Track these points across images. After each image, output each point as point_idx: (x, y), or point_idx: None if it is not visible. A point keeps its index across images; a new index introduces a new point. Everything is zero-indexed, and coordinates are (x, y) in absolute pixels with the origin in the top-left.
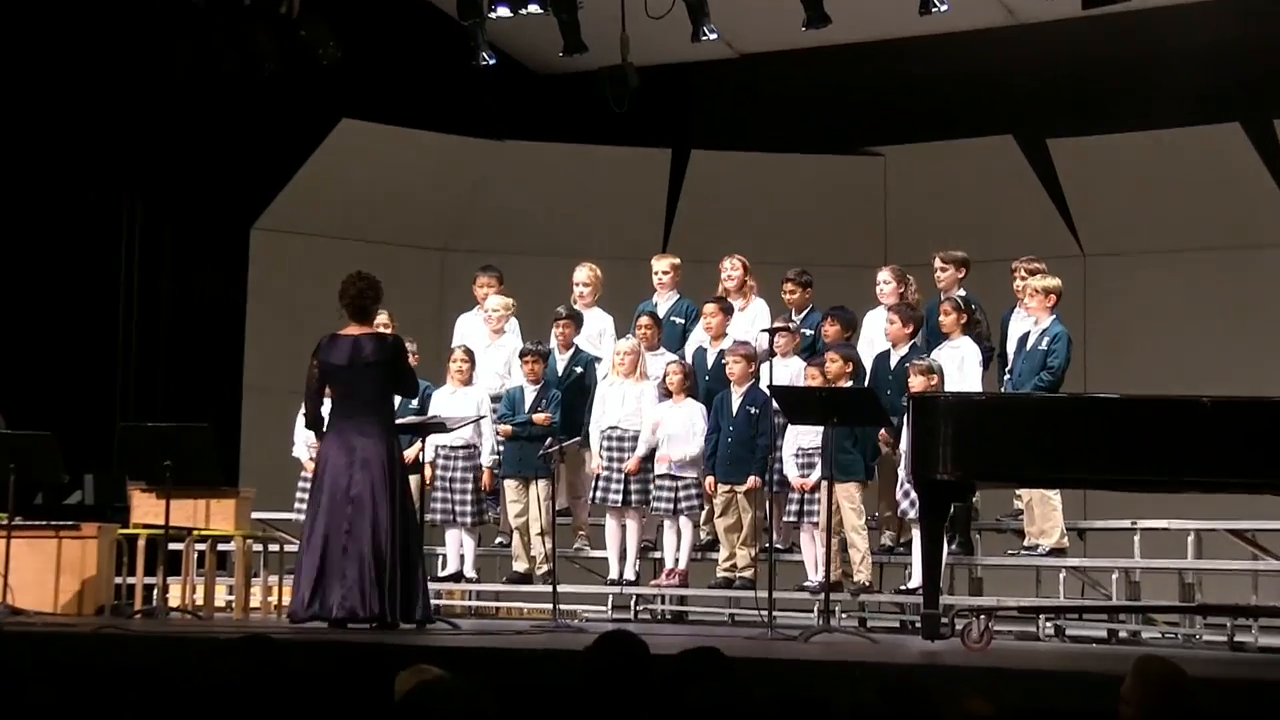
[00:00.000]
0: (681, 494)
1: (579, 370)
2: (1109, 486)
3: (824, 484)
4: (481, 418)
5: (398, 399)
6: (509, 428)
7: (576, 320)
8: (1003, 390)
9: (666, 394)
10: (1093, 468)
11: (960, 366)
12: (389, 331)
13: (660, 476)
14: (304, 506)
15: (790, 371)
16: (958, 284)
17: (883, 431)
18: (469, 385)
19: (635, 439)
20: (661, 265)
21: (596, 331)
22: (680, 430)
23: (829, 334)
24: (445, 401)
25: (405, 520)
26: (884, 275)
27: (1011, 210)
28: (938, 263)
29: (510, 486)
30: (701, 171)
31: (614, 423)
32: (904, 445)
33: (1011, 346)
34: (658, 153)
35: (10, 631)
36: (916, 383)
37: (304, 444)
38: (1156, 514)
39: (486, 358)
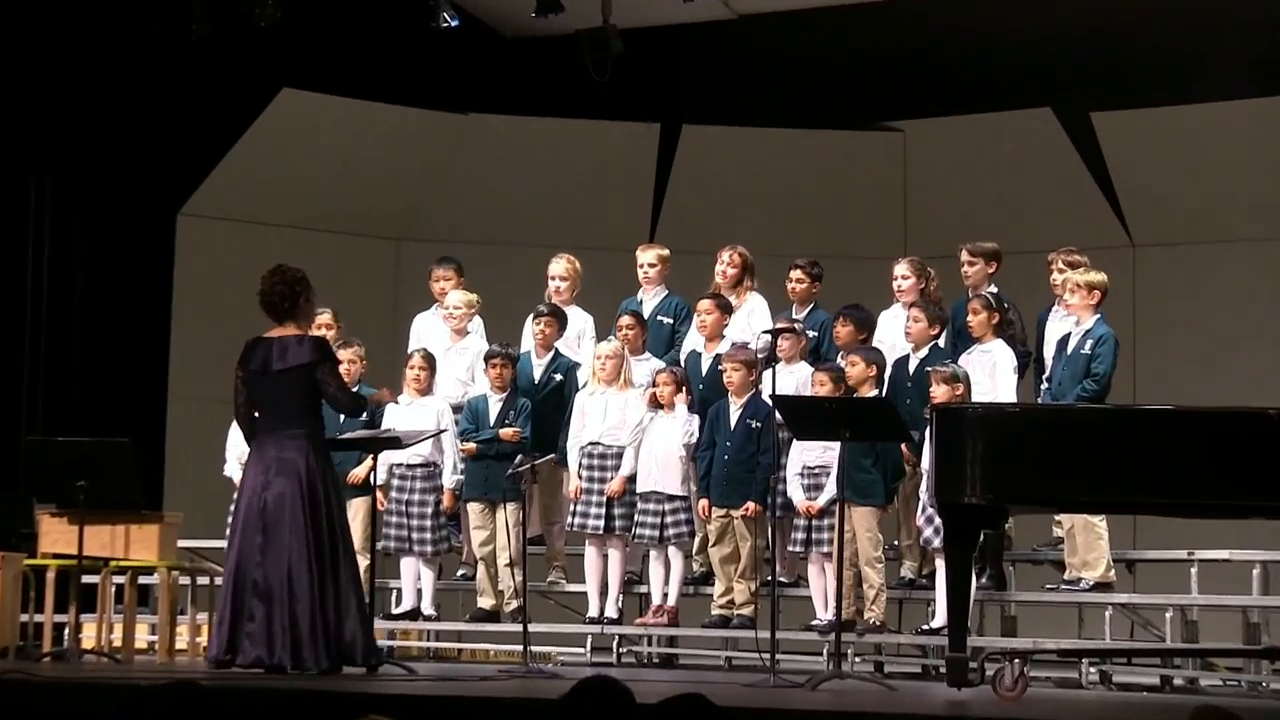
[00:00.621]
0: (670, 519)
1: (558, 377)
2: (1162, 511)
3: (837, 507)
4: (442, 431)
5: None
6: (472, 445)
7: (559, 318)
8: (1039, 400)
9: (656, 406)
10: (1143, 490)
11: (991, 373)
12: (313, 333)
13: (646, 499)
14: None
15: (796, 379)
16: (988, 280)
17: (903, 447)
18: (428, 395)
19: (619, 456)
20: (647, 257)
21: (575, 333)
22: (669, 448)
23: (841, 336)
24: (401, 414)
25: (334, 545)
26: (901, 269)
27: (1049, 194)
28: (965, 255)
29: (474, 511)
30: (694, 150)
31: (594, 437)
32: (926, 463)
33: (1050, 350)
34: (644, 128)
35: None
36: (939, 392)
37: (237, 461)
38: (1216, 543)
39: (447, 363)
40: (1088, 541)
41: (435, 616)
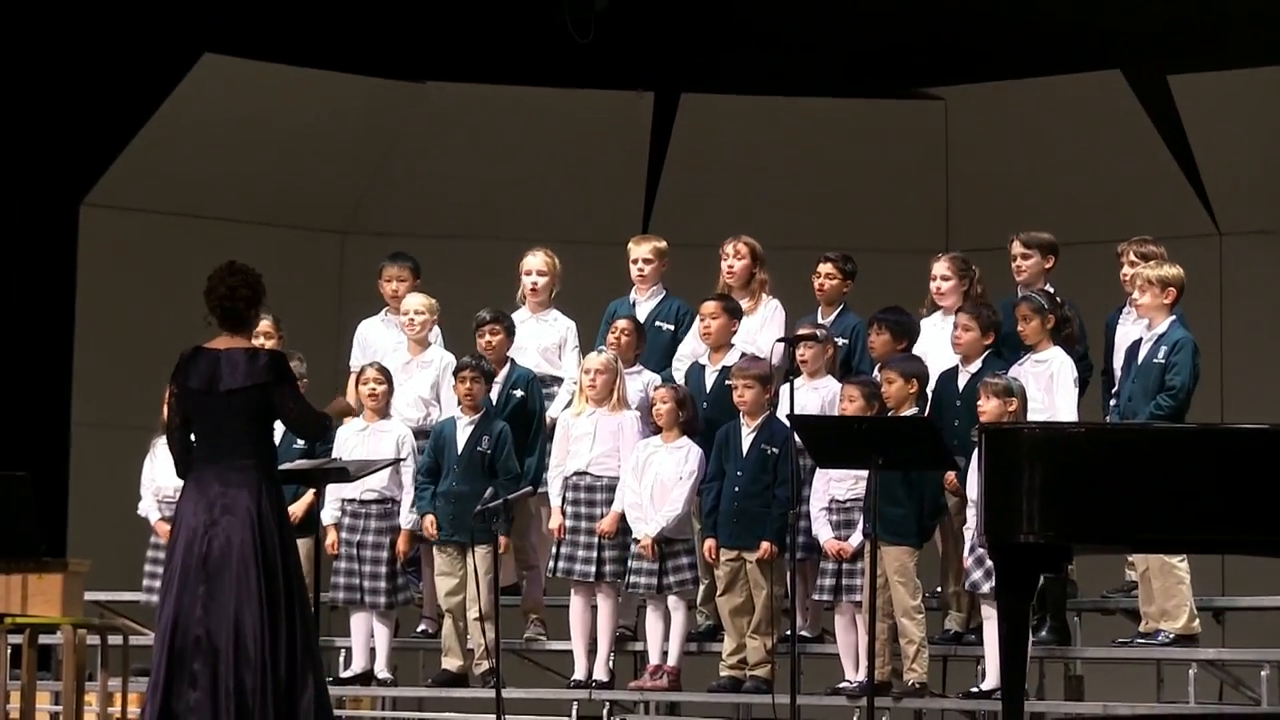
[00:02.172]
0: (670, 564)
1: (518, 393)
2: (1256, 550)
3: (872, 547)
4: (399, 461)
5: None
6: (430, 523)
7: (504, 323)
8: (1108, 419)
9: (655, 430)
10: (1234, 525)
11: (1048, 387)
12: (267, 346)
13: (639, 542)
14: (154, 583)
15: (821, 395)
16: (1044, 277)
17: (949, 476)
18: (386, 417)
19: (610, 489)
20: (641, 251)
21: (555, 342)
22: (668, 482)
23: (876, 346)
24: (355, 440)
25: (289, 599)
26: (940, 268)
27: (1119, 173)
28: (1018, 248)
29: (439, 555)
30: (694, 123)
31: (581, 466)
32: (973, 493)
33: (1119, 360)
34: (635, 97)
35: None
36: (988, 407)
37: (153, 498)
38: None
39: (406, 378)
40: (1166, 587)
41: (392, 680)
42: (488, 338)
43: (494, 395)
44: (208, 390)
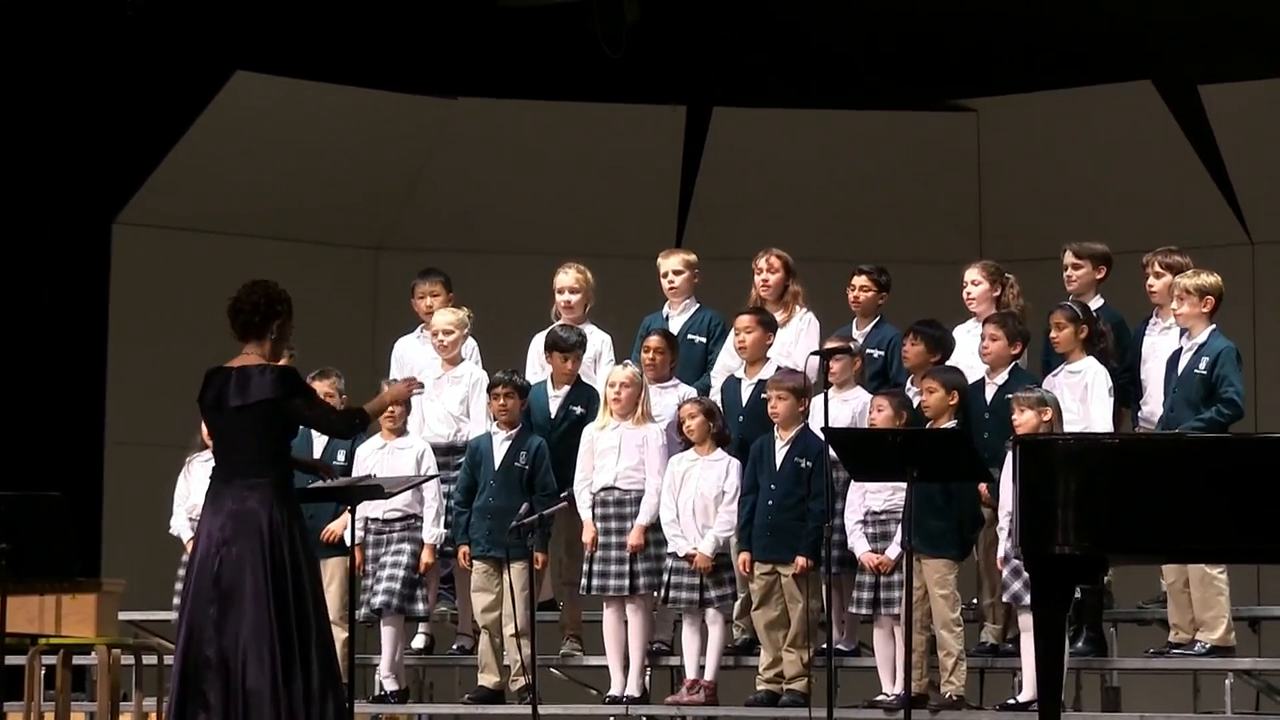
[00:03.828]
0: (712, 579)
1: (578, 410)
2: None
3: (907, 559)
4: (431, 478)
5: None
6: (464, 555)
7: (583, 346)
8: (1137, 429)
9: (687, 444)
10: (1267, 534)
11: (1083, 397)
12: (278, 362)
13: (680, 557)
14: None
15: (851, 407)
16: (1095, 288)
17: (982, 488)
18: (404, 435)
19: (639, 502)
20: (671, 264)
21: (590, 356)
22: (707, 496)
23: (910, 357)
24: (375, 459)
25: (302, 618)
26: (973, 274)
27: (1150, 183)
28: (1069, 257)
29: (477, 571)
30: (727, 136)
31: (609, 481)
32: (1006, 504)
33: (1151, 370)
34: (667, 112)
35: None
36: (1024, 419)
37: (186, 516)
38: None
39: (437, 394)
40: (1206, 598)
41: (400, 692)
42: (571, 364)
43: (553, 409)
44: (219, 407)
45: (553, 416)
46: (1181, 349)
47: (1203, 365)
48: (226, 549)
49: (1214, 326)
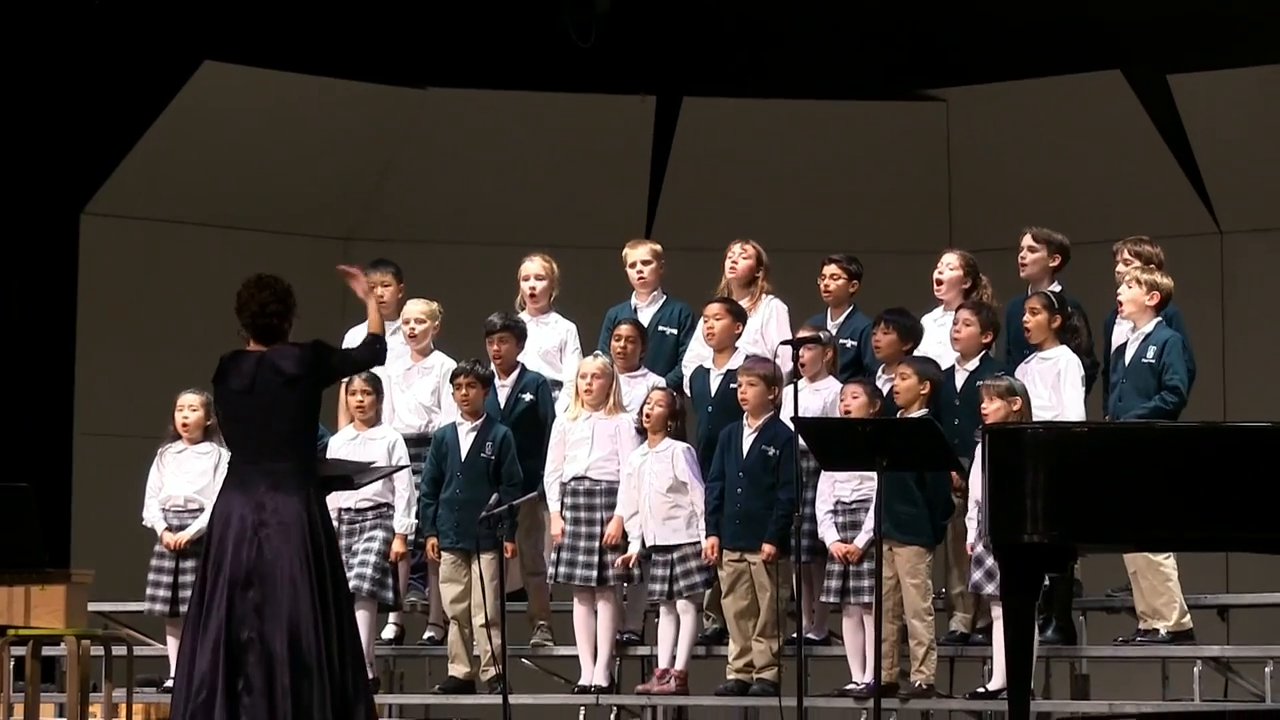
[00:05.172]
0: (680, 569)
1: (527, 397)
2: (1259, 548)
3: (877, 548)
4: (402, 468)
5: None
6: (433, 546)
7: (516, 331)
8: (1107, 419)
9: (641, 433)
10: (1239, 523)
11: (1055, 385)
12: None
13: (652, 547)
14: (157, 592)
15: (823, 397)
16: (1049, 276)
17: (955, 477)
18: (375, 425)
19: (611, 493)
20: (639, 254)
21: (555, 345)
22: (662, 487)
23: (882, 346)
24: (345, 450)
25: (340, 604)
26: (950, 259)
27: (1119, 173)
28: (1027, 240)
29: (445, 562)
30: (696, 127)
31: (580, 471)
32: (975, 493)
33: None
34: (637, 102)
35: None
36: (992, 408)
37: (159, 507)
38: None
39: (407, 385)
40: (1153, 585)
41: (372, 680)
42: (496, 345)
43: (502, 399)
44: (252, 388)
45: (501, 406)
46: (1128, 340)
47: (1150, 355)
48: (264, 532)
49: (1160, 319)
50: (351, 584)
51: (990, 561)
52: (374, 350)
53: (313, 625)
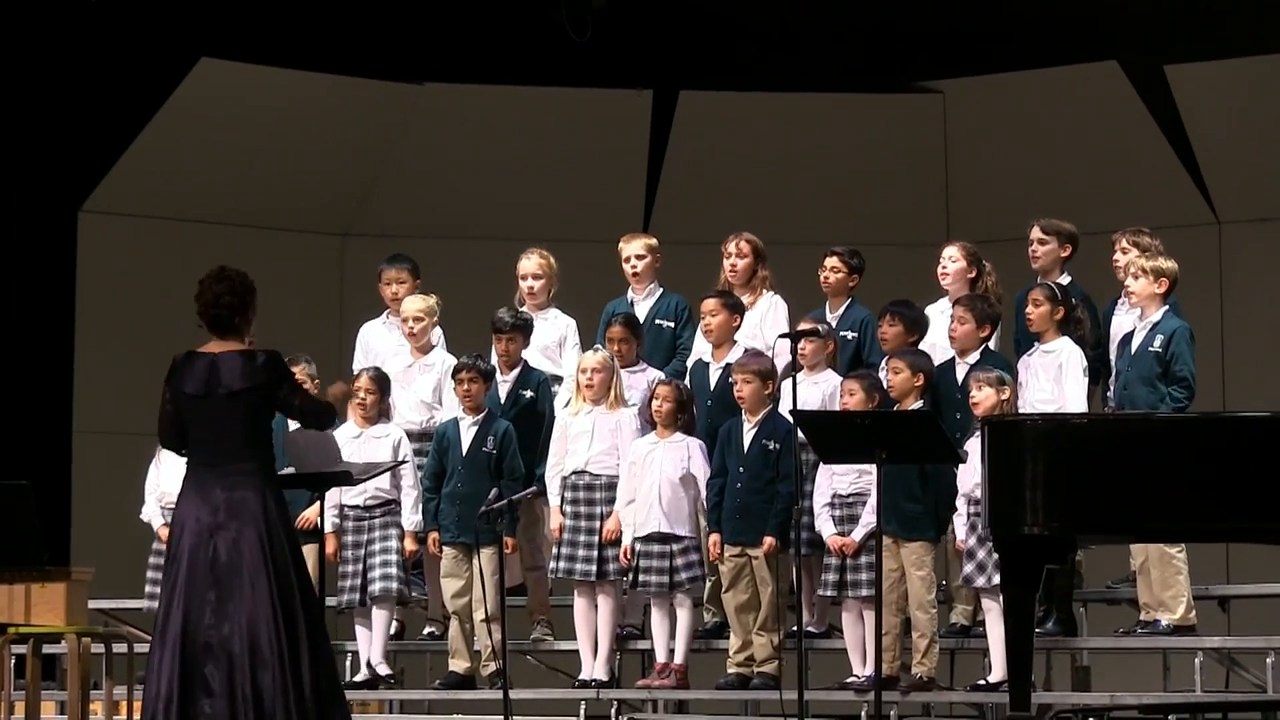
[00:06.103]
0: (678, 562)
1: (528, 394)
2: (1259, 538)
3: (877, 541)
4: (402, 463)
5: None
6: (434, 541)
7: (523, 329)
8: (1107, 409)
9: (650, 426)
10: (1240, 513)
11: (1057, 377)
12: (259, 348)
13: (648, 541)
14: (157, 590)
15: (822, 390)
16: (1060, 266)
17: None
18: (379, 422)
19: (610, 487)
20: (633, 248)
21: (555, 340)
22: (669, 479)
23: (889, 337)
24: (349, 446)
25: (305, 601)
26: (951, 251)
27: (1117, 164)
28: (1036, 233)
29: (446, 557)
30: (693, 120)
31: (580, 465)
32: (965, 486)
33: (1114, 350)
34: (633, 96)
35: None
36: (982, 397)
37: (157, 503)
38: None
39: (408, 382)
40: (1164, 577)
41: (393, 678)
42: (505, 344)
43: (504, 394)
44: (205, 394)
45: (502, 401)
46: (1135, 328)
47: (1157, 343)
48: (221, 534)
49: (1168, 306)
50: (379, 587)
51: (982, 555)
52: (324, 418)
53: (272, 626)
